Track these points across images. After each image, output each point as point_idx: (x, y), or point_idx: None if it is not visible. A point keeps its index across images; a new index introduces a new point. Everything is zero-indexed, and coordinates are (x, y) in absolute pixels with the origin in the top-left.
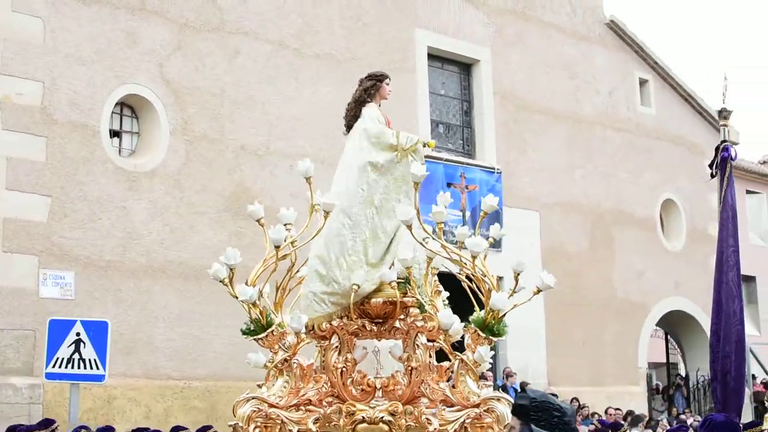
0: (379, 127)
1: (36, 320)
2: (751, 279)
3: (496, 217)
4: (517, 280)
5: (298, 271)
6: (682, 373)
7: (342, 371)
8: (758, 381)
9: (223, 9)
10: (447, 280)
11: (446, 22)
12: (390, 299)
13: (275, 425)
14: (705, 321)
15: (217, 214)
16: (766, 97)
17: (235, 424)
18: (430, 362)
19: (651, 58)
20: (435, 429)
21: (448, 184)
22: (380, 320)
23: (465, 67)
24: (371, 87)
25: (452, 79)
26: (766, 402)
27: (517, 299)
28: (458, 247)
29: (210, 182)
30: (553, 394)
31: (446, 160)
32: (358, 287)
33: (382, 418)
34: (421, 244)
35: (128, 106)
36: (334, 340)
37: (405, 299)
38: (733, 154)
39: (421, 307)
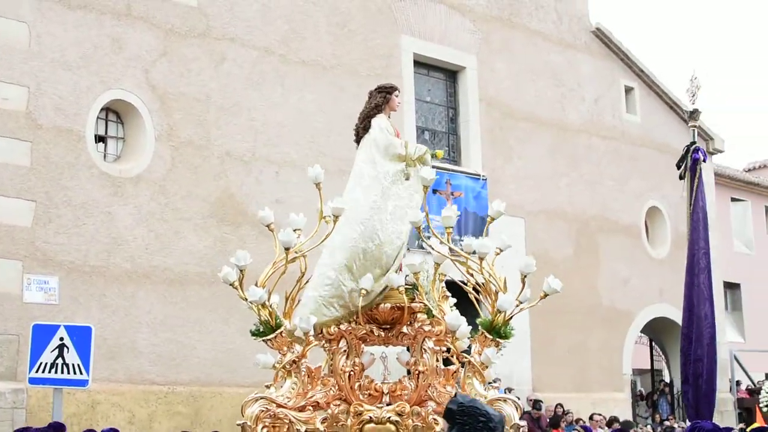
0: (389, 138)
1: (20, 325)
2: (735, 286)
3: (481, 224)
4: (524, 282)
5: (307, 282)
6: (667, 379)
7: (350, 375)
8: (742, 387)
9: (209, 15)
10: (453, 288)
11: (432, 29)
12: (398, 304)
13: (283, 425)
14: None
15: (202, 220)
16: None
17: (243, 423)
18: (437, 366)
19: (636, 65)
20: (442, 429)
21: (434, 191)
22: (388, 325)
23: (451, 74)
24: (382, 100)
25: (438, 86)
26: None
27: (521, 299)
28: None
29: (195, 188)
30: (539, 401)
31: (432, 166)
32: (367, 292)
33: (389, 418)
34: (431, 247)
35: (113, 112)
36: (342, 344)
37: (413, 305)
38: (702, 157)
39: (428, 312)
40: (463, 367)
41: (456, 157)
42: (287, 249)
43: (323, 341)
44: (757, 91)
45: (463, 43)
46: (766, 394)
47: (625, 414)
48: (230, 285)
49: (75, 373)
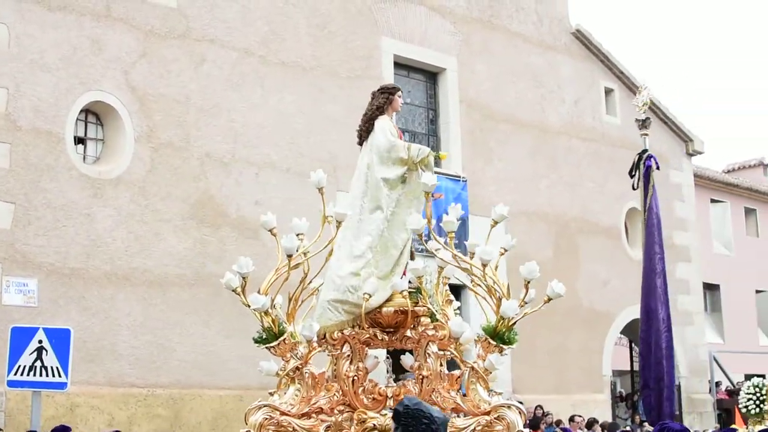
0: (391, 141)
1: None
2: (714, 287)
3: (461, 225)
4: (527, 288)
5: (310, 282)
6: None
7: (353, 380)
8: (722, 388)
9: (189, 16)
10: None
11: (412, 30)
12: (401, 308)
13: None
14: None
15: (182, 221)
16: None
17: (247, 431)
18: (441, 371)
19: (616, 67)
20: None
21: None
22: (392, 329)
23: (431, 76)
24: (385, 101)
25: (418, 88)
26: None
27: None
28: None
29: (175, 189)
30: (519, 402)
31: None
32: (369, 296)
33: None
34: (433, 253)
35: (93, 113)
36: (346, 349)
37: (416, 308)
38: (654, 164)
39: (432, 316)
40: (473, 370)
41: (436, 159)
42: (290, 256)
43: (327, 346)
44: (736, 93)
45: (443, 45)
46: (746, 395)
47: (605, 415)
48: (233, 291)
49: (54, 375)
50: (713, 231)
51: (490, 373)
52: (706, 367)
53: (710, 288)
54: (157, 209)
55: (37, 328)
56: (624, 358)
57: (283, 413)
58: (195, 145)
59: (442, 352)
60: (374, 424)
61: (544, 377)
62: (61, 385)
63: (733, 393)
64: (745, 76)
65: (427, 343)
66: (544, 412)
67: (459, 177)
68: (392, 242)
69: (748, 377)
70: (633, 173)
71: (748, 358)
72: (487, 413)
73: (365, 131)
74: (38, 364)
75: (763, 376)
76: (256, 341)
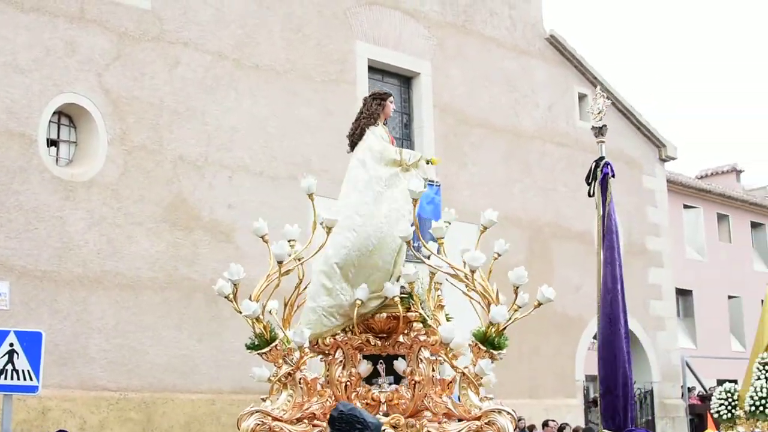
0: (383, 144)
1: None
2: (687, 293)
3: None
4: (516, 293)
5: (305, 288)
6: None
7: (346, 385)
8: (695, 394)
9: (163, 19)
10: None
11: (387, 34)
12: (394, 314)
13: None
14: (641, 334)
15: (154, 224)
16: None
17: None
18: (433, 376)
19: (590, 72)
20: None
21: None
22: (384, 335)
23: (405, 80)
24: (377, 107)
25: (392, 92)
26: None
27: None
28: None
29: (148, 192)
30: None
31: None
32: (362, 302)
33: (384, 430)
34: (422, 259)
35: (66, 116)
36: (339, 354)
37: (408, 314)
38: (611, 172)
39: (424, 321)
40: (464, 376)
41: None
42: (280, 263)
43: (319, 352)
44: (709, 98)
45: (417, 49)
46: (718, 401)
47: (577, 420)
48: (225, 298)
49: (25, 379)
50: (686, 236)
51: (481, 378)
52: (679, 372)
53: (683, 293)
54: (130, 212)
55: (8, 331)
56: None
57: (275, 419)
58: (168, 148)
59: (434, 357)
60: None
61: (517, 382)
62: (33, 389)
63: (705, 398)
64: (718, 81)
65: (419, 349)
66: (517, 417)
67: (433, 181)
68: (392, 237)
69: (720, 382)
70: (590, 181)
71: (721, 364)
72: (478, 418)
73: (357, 136)
74: (9, 367)
75: (736, 382)
76: (248, 347)
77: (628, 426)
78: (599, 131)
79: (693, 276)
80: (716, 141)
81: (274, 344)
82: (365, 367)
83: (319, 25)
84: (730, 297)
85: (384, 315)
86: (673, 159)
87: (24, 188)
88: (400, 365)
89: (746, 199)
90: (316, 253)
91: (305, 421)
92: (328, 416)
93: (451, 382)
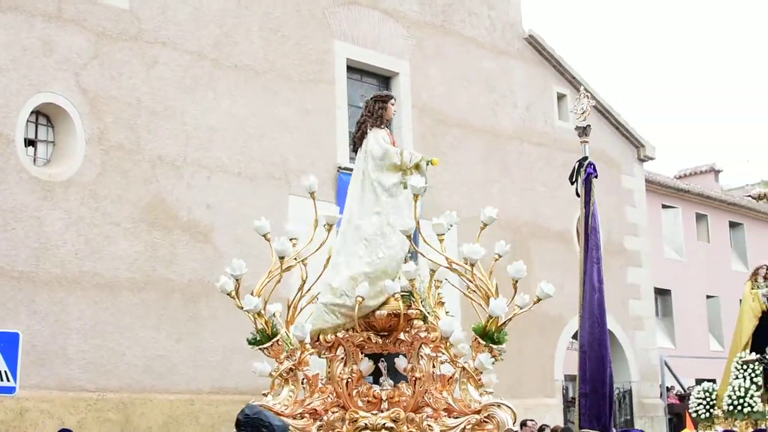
0: (384, 147)
1: None
2: (666, 293)
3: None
4: (515, 288)
5: (309, 290)
6: None
7: (347, 382)
8: (673, 393)
9: (141, 18)
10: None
11: (365, 34)
12: (394, 312)
13: None
14: (620, 334)
15: (132, 224)
16: (682, 111)
17: None
18: (433, 372)
19: (569, 72)
20: None
21: None
22: (385, 332)
23: (384, 80)
24: (379, 109)
25: (371, 92)
26: None
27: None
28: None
29: (126, 192)
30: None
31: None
32: (363, 299)
33: (384, 425)
34: (422, 255)
35: (44, 115)
36: (340, 351)
37: (409, 311)
38: (594, 173)
39: (424, 318)
40: (463, 370)
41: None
42: (282, 258)
43: (321, 349)
44: (688, 99)
45: (396, 49)
46: (696, 400)
47: (556, 420)
48: (227, 294)
49: (2, 380)
50: (664, 236)
51: (481, 373)
52: (657, 371)
53: (661, 293)
54: (108, 212)
55: None
56: (576, 362)
57: (277, 414)
58: (146, 147)
59: (434, 354)
60: (366, 423)
61: (499, 382)
62: (10, 390)
63: (683, 398)
64: (697, 83)
65: (420, 345)
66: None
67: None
68: (396, 247)
69: (698, 382)
70: (573, 180)
71: (699, 363)
72: (477, 412)
73: (359, 138)
74: None
75: (714, 381)
76: (249, 342)
77: (615, 426)
78: (583, 131)
79: (671, 276)
80: (695, 142)
81: (275, 339)
82: (367, 365)
83: (298, 25)
84: (708, 297)
85: (385, 313)
86: (652, 159)
87: (1, 188)
88: (401, 363)
89: (724, 199)
90: (316, 251)
91: (306, 416)
92: (327, 412)
93: (451, 378)
